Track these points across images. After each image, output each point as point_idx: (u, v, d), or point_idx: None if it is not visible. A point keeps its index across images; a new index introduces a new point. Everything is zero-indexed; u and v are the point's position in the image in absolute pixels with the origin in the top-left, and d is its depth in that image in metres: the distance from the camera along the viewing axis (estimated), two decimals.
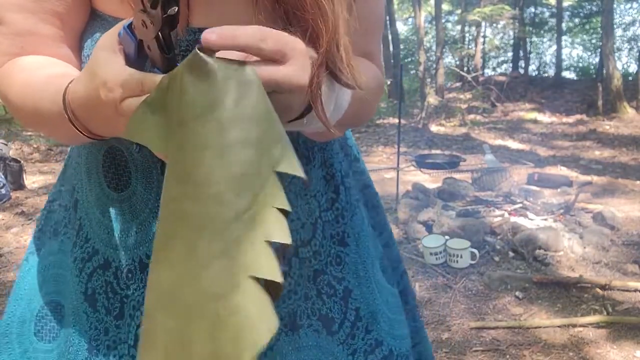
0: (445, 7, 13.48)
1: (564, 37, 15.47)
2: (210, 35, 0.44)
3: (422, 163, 4.66)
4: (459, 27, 15.88)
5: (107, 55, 0.49)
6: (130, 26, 0.49)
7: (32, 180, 5.34)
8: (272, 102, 0.45)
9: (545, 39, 16.87)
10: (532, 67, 16.53)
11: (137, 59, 0.50)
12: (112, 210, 0.67)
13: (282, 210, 0.43)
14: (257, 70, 0.45)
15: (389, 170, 5.46)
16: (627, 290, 2.74)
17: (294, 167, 0.44)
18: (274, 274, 0.41)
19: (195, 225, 0.43)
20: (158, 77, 0.46)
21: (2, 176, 4.74)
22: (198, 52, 0.43)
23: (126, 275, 0.67)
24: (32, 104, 0.59)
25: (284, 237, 0.42)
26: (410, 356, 0.82)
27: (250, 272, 0.41)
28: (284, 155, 0.44)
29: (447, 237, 3.21)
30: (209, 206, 0.43)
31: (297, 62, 0.48)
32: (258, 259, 0.42)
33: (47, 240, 0.76)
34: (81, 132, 0.56)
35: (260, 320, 0.40)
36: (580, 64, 17.74)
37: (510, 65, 16.13)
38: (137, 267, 0.66)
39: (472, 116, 9.62)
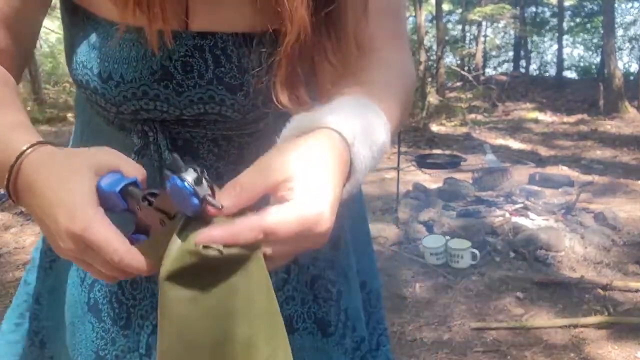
0: (445, 6, 13.46)
1: (565, 37, 15.45)
2: (211, 236, 0.42)
3: (423, 163, 4.66)
4: (459, 27, 15.88)
5: (91, 206, 0.46)
6: (122, 192, 0.47)
7: None
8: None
9: (546, 39, 16.86)
10: (533, 67, 16.52)
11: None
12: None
13: None
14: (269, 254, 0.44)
15: (389, 170, 5.45)
16: (629, 291, 2.73)
17: None
18: None
19: None
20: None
21: None
22: (202, 252, 0.41)
23: (131, 285, 0.66)
24: None
25: None
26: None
27: None
28: (279, 348, 0.44)
29: (447, 237, 3.20)
30: None
31: (317, 240, 0.45)
32: None
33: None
34: (9, 196, 0.52)
35: None
36: (582, 64, 17.72)
37: (511, 64, 16.12)
38: (141, 277, 0.65)
39: (472, 116, 9.61)
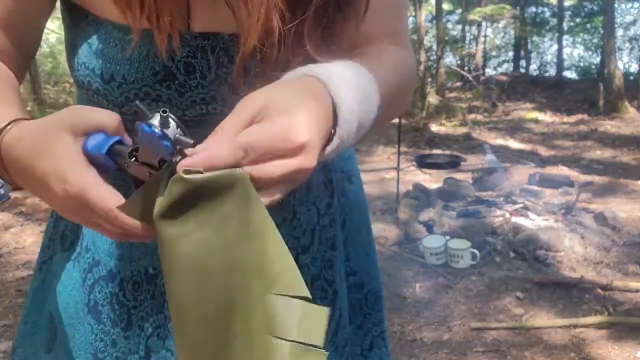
0: (445, 6, 13.46)
1: (565, 37, 15.44)
2: (189, 161, 0.42)
3: (423, 163, 4.66)
4: (459, 27, 15.87)
5: (81, 168, 0.46)
6: (109, 152, 0.47)
7: None
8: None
9: (546, 39, 16.84)
10: (533, 67, 16.52)
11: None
12: None
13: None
14: (252, 175, 0.43)
15: (389, 170, 5.45)
16: (629, 291, 2.73)
17: (292, 287, 0.43)
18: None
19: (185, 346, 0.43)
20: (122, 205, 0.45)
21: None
22: (184, 176, 0.40)
23: (132, 286, 0.66)
24: None
25: None
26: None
27: None
28: (282, 273, 0.43)
29: (447, 237, 3.20)
30: (197, 330, 0.42)
31: (296, 153, 0.45)
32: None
33: (57, 250, 0.74)
34: (2, 177, 0.53)
35: None
36: (582, 64, 17.70)
37: (511, 64, 16.12)
38: (142, 278, 0.66)
39: (472, 116, 9.60)
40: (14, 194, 4.76)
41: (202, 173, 0.40)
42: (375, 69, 0.57)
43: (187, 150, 0.42)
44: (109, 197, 0.45)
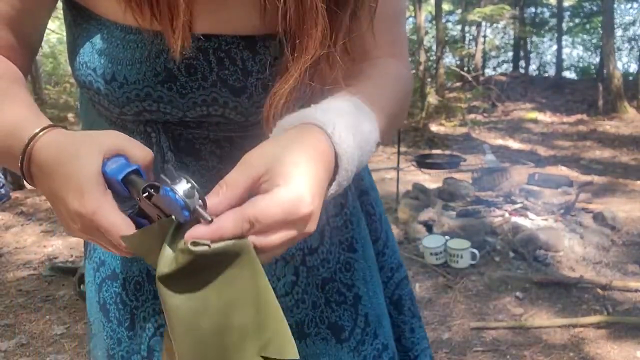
0: (445, 6, 13.46)
1: (564, 37, 15.45)
2: (197, 233, 0.43)
3: (423, 163, 4.66)
4: (459, 27, 15.87)
5: (99, 191, 0.47)
6: (124, 180, 0.48)
7: None
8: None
9: (545, 39, 16.85)
10: (533, 67, 16.53)
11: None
12: None
13: None
14: (257, 245, 0.45)
15: (389, 170, 5.45)
16: (628, 291, 2.73)
17: (283, 351, 0.45)
18: None
19: None
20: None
21: (2, 176, 4.74)
22: (191, 249, 0.42)
23: (134, 286, 0.67)
24: None
25: None
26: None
27: None
28: (276, 336, 0.45)
29: (447, 237, 3.20)
30: None
31: (299, 223, 0.46)
32: None
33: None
34: (24, 178, 0.53)
35: None
36: (581, 64, 17.72)
37: (511, 65, 16.12)
38: (144, 278, 0.66)
39: (472, 116, 9.61)
40: (14, 194, 4.76)
41: (209, 245, 0.42)
42: (376, 100, 0.59)
43: (196, 226, 0.43)
44: (121, 225, 0.46)
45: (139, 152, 0.50)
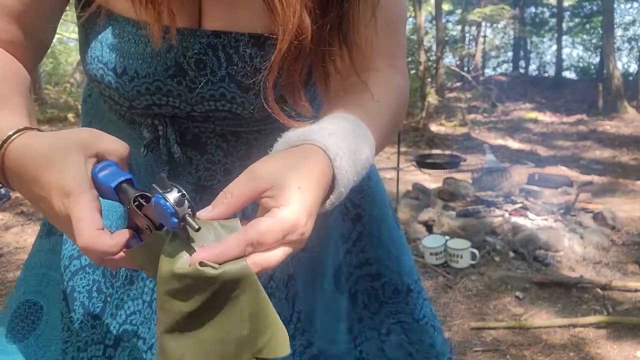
0: (445, 7, 13.47)
1: (564, 37, 15.46)
2: (202, 256, 0.45)
3: (423, 163, 4.66)
4: (459, 27, 15.88)
5: (85, 189, 0.47)
6: (117, 189, 0.49)
7: None
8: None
9: (545, 39, 16.87)
10: (533, 67, 16.55)
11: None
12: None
13: None
14: (256, 263, 0.47)
15: (389, 170, 5.46)
16: (628, 291, 2.73)
17: (276, 349, 0.47)
18: None
19: None
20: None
21: None
22: (200, 268, 0.44)
23: (110, 273, 0.67)
24: None
25: None
26: (346, 356, 0.84)
27: None
28: (270, 340, 0.47)
29: (447, 237, 3.21)
30: None
31: (296, 240, 0.49)
32: None
33: (39, 239, 0.76)
34: (2, 183, 0.53)
35: None
36: (581, 64, 17.73)
37: (511, 65, 16.14)
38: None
39: (472, 116, 9.62)
40: (14, 194, 4.76)
41: (214, 266, 0.45)
42: (376, 122, 0.62)
43: (201, 248, 0.46)
44: (85, 221, 0.46)
45: (115, 146, 0.51)
